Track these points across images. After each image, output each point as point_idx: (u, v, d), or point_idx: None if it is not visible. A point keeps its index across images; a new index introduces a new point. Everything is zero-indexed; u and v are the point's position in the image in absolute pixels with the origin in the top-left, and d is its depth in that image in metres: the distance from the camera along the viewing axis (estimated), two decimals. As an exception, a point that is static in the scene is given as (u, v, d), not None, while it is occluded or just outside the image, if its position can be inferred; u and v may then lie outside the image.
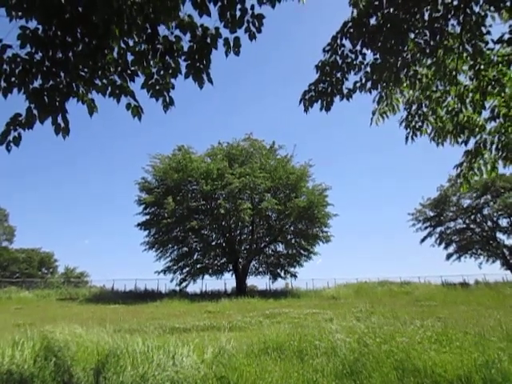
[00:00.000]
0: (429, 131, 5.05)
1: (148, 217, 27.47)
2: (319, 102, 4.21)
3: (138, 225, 27.27)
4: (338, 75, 4.12)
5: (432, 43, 4.16)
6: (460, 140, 4.97)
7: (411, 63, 4.34)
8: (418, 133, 5.03)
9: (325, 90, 4.18)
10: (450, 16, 4.06)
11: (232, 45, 3.00)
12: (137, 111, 3.14)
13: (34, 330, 6.96)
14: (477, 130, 4.82)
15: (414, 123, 5.03)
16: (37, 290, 27.08)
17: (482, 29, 4.04)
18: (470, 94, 4.76)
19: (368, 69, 4.15)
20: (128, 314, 14.85)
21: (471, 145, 5.02)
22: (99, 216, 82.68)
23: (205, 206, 26.76)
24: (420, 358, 4.40)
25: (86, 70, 2.99)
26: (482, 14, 4.00)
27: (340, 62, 4.08)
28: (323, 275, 48.63)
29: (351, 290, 25.33)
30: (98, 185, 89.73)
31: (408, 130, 5.06)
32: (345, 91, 4.22)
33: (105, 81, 3.05)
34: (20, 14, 2.84)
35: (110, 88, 3.05)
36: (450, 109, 4.86)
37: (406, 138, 5.06)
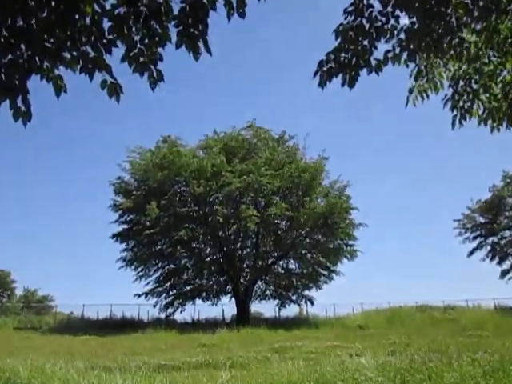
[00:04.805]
0: (480, 112, 5.06)
1: (125, 226, 27.60)
2: (340, 75, 4.24)
3: (114, 236, 27.41)
4: (365, 43, 4.14)
5: (482, 3, 4.17)
6: None
7: (456, 29, 4.35)
8: (468, 115, 5.04)
9: (348, 60, 4.20)
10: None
11: (235, 4, 3.02)
12: (114, 90, 3.16)
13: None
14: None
15: (461, 103, 5.05)
16: (-11, 317, 27.23)
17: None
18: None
19: (402, 35, 4.17)
20: (102, 347, 14.92)
21: None
22: (65, 226, 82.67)
23: (197, 213, 26.83)
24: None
25: (52, 40, 3.03)
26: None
27: (367, 26, 4.09)
28: (347, 299, 48.19)
29: (382, 317, 25.25)
30: (63, 187, 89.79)
31: (455, 111, 5.08)
32: (373, 63, 4.24)
33: (75, 53, 3.08)
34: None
35: (81, 62, 3.08)
36: (505, 84, 4.87)
37: (453, 121, 5.07)
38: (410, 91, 4.97)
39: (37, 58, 3.04)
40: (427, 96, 4.96)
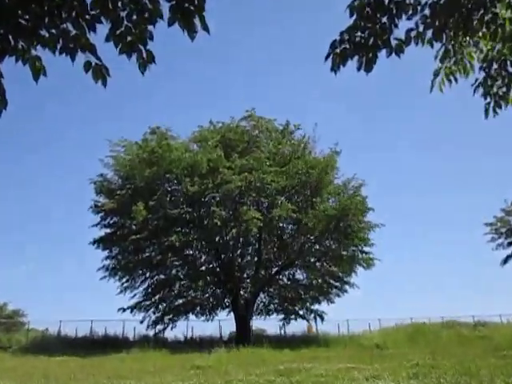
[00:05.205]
0: None
1: (108, 230, 27.63)
2: (356, 58, 4.24)
3: (95, 241, 27.40)
4: (384, 20, 4.14)
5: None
6: None
7: (489, 3, 4.36)
8: (503, 102, 5.04)
9: (364, 40, 4.21)
10: None
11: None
12: (100, 73, 3.19)
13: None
14: None
15: (495, 89, 5.06)
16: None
17: None
18: None
19: (427, 11, 4.17)
20: (82, 369, 14.96)
21: None
22: (41, 232, 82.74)
23: (190, 215, 26.78)
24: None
25: (27, 16, 3.05)
26: None
27: (386, 0, 4.11)
28: (362, 314, 48.32)
29: (403, 334, 25.25)
30: (38, 187, 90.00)
31: (488, 98, 5.09)
32: (393, 43, 4.24)
33: (54, 31, 3.10)
34: None
35: (61, 41, 3.10)
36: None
37: (486, 110, 5.07)
38: (435, 74, 4.98)
39: (10, 37, 3.06)
40: (455, 80, 4.97)
